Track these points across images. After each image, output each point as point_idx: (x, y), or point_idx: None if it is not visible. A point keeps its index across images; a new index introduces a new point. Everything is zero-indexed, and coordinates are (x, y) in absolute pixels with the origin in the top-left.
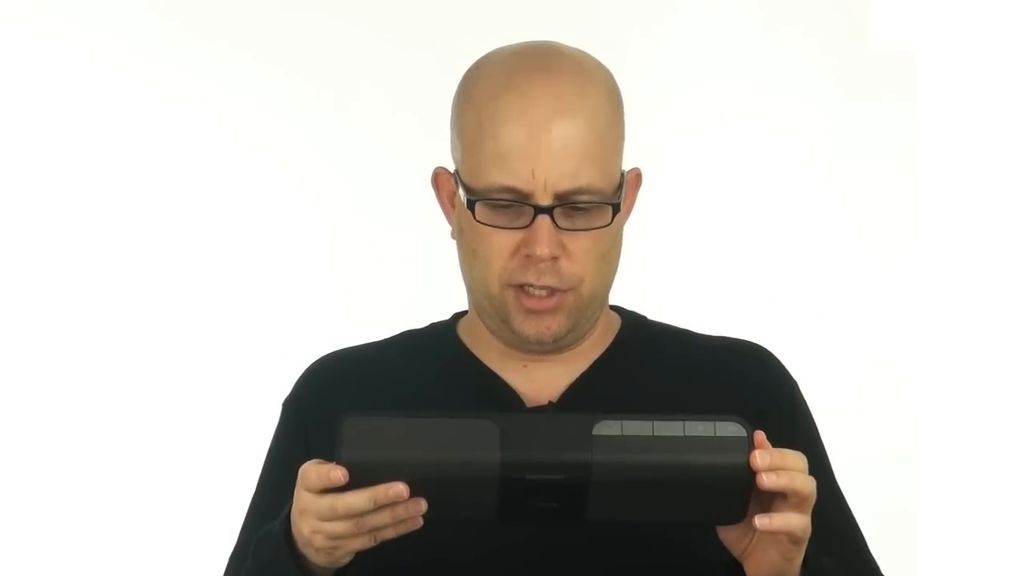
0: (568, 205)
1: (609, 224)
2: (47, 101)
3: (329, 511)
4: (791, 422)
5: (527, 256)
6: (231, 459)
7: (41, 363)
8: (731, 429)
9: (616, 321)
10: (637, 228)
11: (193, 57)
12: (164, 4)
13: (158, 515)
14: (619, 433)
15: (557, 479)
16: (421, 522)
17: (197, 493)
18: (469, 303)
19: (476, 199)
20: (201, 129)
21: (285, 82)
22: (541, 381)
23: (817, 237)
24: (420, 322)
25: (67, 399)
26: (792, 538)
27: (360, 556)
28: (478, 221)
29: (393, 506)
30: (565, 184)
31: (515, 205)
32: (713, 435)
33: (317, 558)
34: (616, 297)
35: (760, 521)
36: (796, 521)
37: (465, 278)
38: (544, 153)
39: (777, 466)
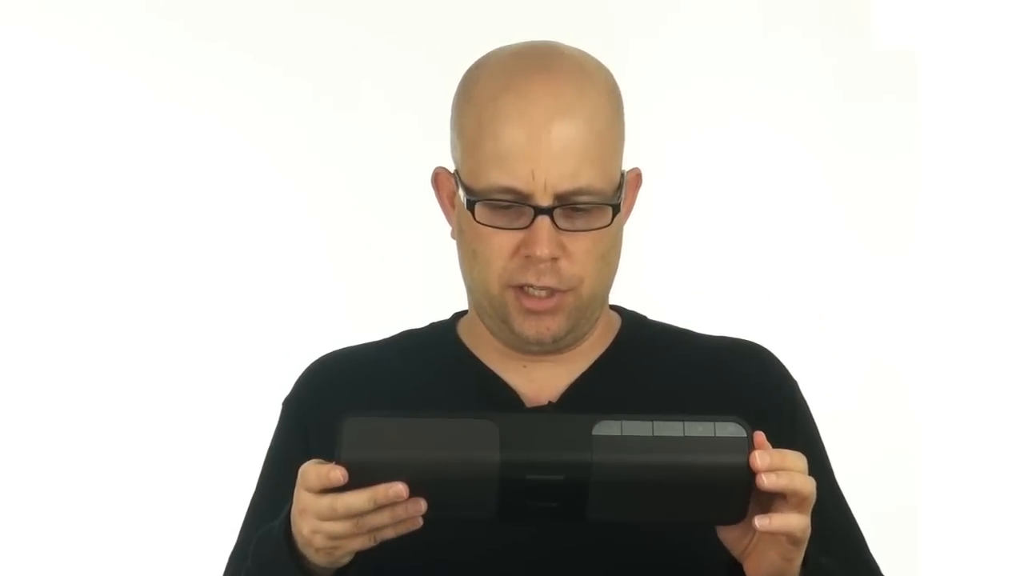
0: (568, 206)
1: (609, 225)
2: (47, 101)
3: (329, 511)
4: (791, 422)
5: (527, 257)
6: (231, 459)
7: (41, 363)
8: (731, 429)
9: (616, 321)
10: (637, 228)
11: (193, 57)
12: (164, 4)
13: (158, 515)
14: (619, 433)
15: (557, 479)
16: (421, 522)
17: (197, 493)
18: (469, 303)
19: (476, 200)
20: (201, 129)
21: (285, 82)
22: (541, 381)
23: (817, 237)
24: (420, 322)
25: (67, 399)
26: (792, 538)
27: (360, 556)
28: (478, 222)
29: (393, 506)
30: (565, 185)
31: (515, 206)
32: (713, 435)
33: (317, 558)
34: (616, 297)
35: (760, 522)
36: (796, 521)
37: (465, 278)
38: (544, 154)
39: (777, 466)
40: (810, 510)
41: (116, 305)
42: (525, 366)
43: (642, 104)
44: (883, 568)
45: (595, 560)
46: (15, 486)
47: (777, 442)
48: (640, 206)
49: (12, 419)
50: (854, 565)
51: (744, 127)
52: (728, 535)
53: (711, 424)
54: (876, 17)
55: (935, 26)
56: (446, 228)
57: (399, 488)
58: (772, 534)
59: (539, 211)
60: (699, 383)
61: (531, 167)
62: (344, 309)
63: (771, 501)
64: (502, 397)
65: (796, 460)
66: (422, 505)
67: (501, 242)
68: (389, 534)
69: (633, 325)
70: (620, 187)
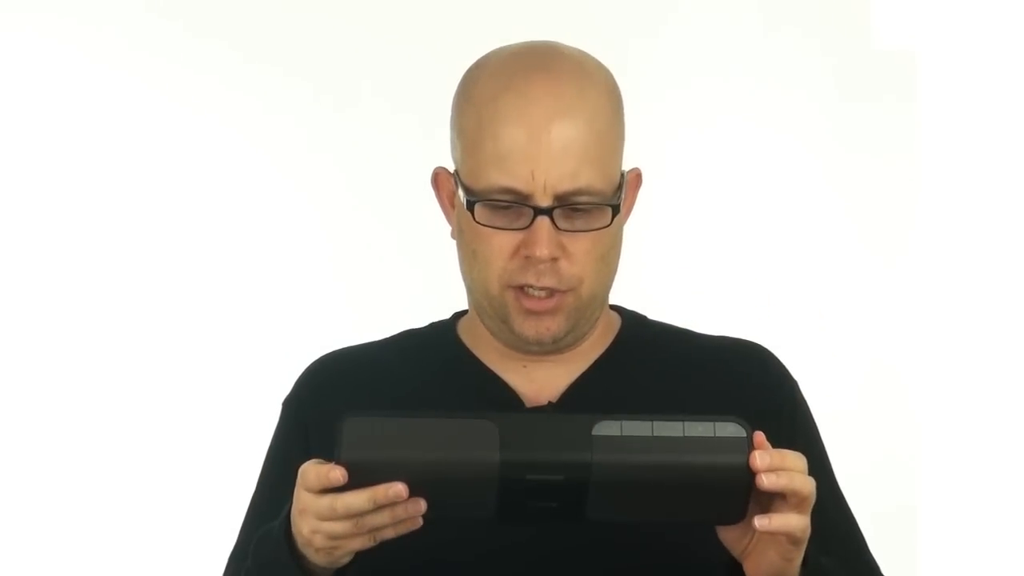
0: (568, 206)
1: (609, 225)
2: (47, 101)
3: (328, 511)
4: (791, 422)
5: (527, 257)
6: (231, 459)
7: (42, 363)
8: (731, 429)
9: (616, 321)
10: (637, 228)
11: (193, 57)
12: (164, 4)
13: (158, 515)
14: (619, 433)
15: (556, 479)
16: (420, 522)
17: (197, 493)
18: (469, 303)
19: (476, 200)
20: (201, 129)
21: (285, 82)
22: (541, 381)
23: (817, 237)
24: (420, 322)
25: (68, 398)
26: (791, 538)
27: (360, 556)
28: (478, 222)
29: (392, 506)
30: (565, 185)
31: (515, 206)
32: (713, 435)
33: (317, 558)
34: (616, 297)
35: (759, 522)
36: (795, 522)
37: (465, 279)
38: (544, 154)
39: (777, 466)
40: (810, 510)
41: (116, 305)
42: (525, 366)
43: (642, 104)
44: (883, 568)
45: (595, 560)
46: (15, 486)
47: (777, 442)
48: (640, 206)
49: (12, 419)
50: (854, 565)
51: (744, 127)
52: (728, 535)
53: (711, 424)
54: (876, 17)
55: (935, 26)
56: (446, 228)
57: (399, 488)
58: (772, 534)
59: (539, 211)
60: (699, 383)
61: (531, 167)
62: (344, 309)
63: (771, 501)
64: (502, 397)
65: (796, 460)
66: (422, 505)
67: (501, 242)
68: (389, 534)
69: (633, 325)
70: (620, 187)
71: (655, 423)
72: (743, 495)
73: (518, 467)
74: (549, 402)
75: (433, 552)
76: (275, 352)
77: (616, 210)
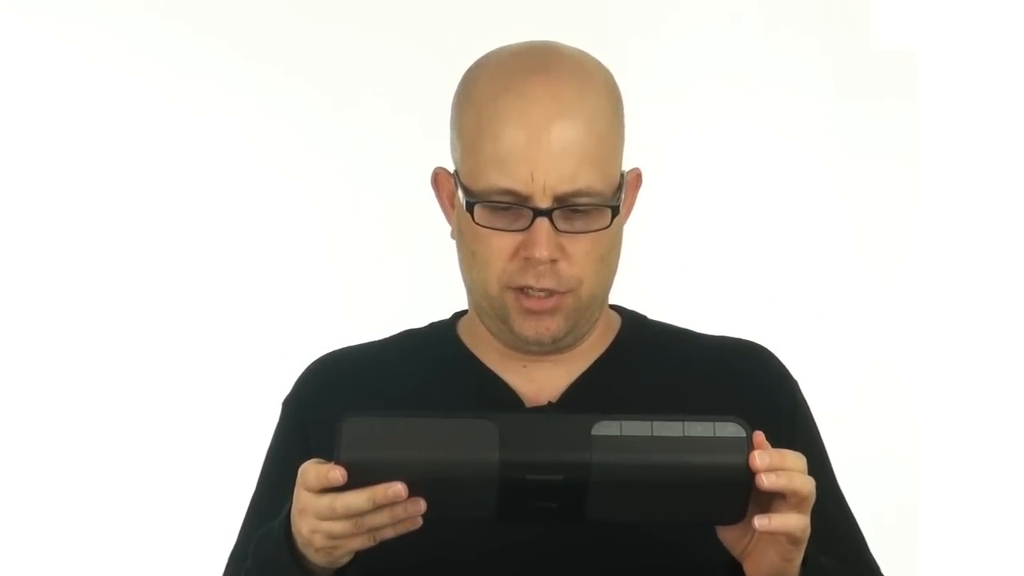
0: (567, 207)
1: (608, 226)
2: (47, 101)
3: (328, 511)
4: (791, 422)
5: (526, 259)
6: (231, 459)
7: (42, 363)
8: (730, 429)
9: (616, 321)
10: (637, 228)
11: (193, 57)
12: (164, 4)
13: (158, 515)
14: (618, 433)
15: (556, 479)
16: (420, 522)
17: (197, 493)
18: (469, 303)
19: (475, 201)
20: (201, 129)
21: (285, 82)
22: (541, 381)
23: (817, 237)
24: (420, 322)
25: (68, 398)
26: (791, 538)
27: (360, 556)
28: (477, 223)
29: (392, 506)
30: (564, 186)
31: (514, 207)
32: (712, 435)
33: (317, 558)
34: (616, 297)
35: (759, 522)
36: (795, 521)
37: (465, 279)
38: (543, 155)
39: (776, 466)
40: (809, 510)
41: (116, 305)
42: (525, 366)
43: (642, 104)
44: (883, 568)
45: (595, 560)
46: (16, 486)
47: (777, 442)
48: (640, 206)
49: (13, 419)
50: (854, 565)
51: (744, 127)
52: (728, 535)
53: (710, 424)
54: (876, 17)
55: (935, 26)
56: (446, 228)
57: (398, 488)
58: (772, 534)
59: (538, 213)
60: (699, 383)
61: (530, 169)
62: (344, 309)
63: (771, 501)
64: (502, 397)
65: (795, 460)
66: (421, 505)
67: (500, 244)
68: (388, 534)
69: (633, 325)
70: (620, 188)
71: (655, 423)
72: (743, 495)
73: (518, 467)
74: (549, 402)
75: (433, 552)
76: (275, 352)
77: (616, 211)
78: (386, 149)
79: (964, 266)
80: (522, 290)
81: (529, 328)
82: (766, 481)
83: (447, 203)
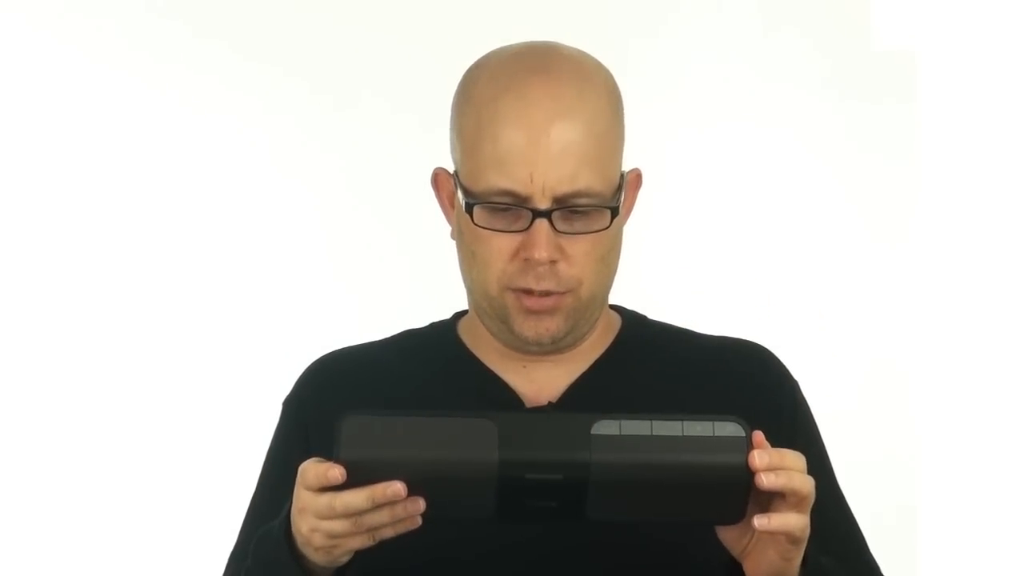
0: (566, 208)
1: (608, 227)
2: (47, 101)
3: (327, 510)
4: (791, 422)
5: (526, 260)
6: (231, 459)
7: (42, 363)
8: (730, 429)
9: (616, 321)
10: (637, 228)
11: (193, 57)
12: (164, 4)
13: (158, 515)
14: (618, 433)
15: (556, 478)
16: (420, 521)
17: (197, 493)
18: (469, 303)
19: (475, 202)
20: (201, 129)
21: (285, 82)
22: (541, 381)
23: (817, 237)
24: (420, 322)
25: (68, 398)
26: (791, 538)
27: (360, 555)
28: (477, 224)
29: (391, 505)
30: (564, 187)
31: (513, 208)
32: (712, 435)
33: (316, 557)
34: (616, 297)
35: (759, 521)
36: (795, 521)
37: (464, 279)
38: (543, 156)
39: (776, 466)
40: (809, 510)
41: (116, 305)
42: (525, 366)
43: (642, 104)
44: (883, 568)
45: (595, 560)
46: (16, 486)
47: (777, 442)
48: (640, 206)
49: (13, 419)
50: (854, 565)
51: (744, 127)
52: (727, 535)
53: (710, 424)
54: (876, 17)
55: (935, 26)
56: (446, 228)
57: (397, 487)
58: (771, 534)
59: (537, 214)
60: (699, 383)
61: (530, 170)
62: (344, 309)
63: (770, 501)
64: (502, 397)
65: (795, 459)
66: (421, 504)
67: (500, 244)
68: (388, 533)
69: (633, 325)
70: (619, 189)
71: (654, 422)
72: (742, 495)
73: (517, 466)
74: (549, 402)
75: (433, 552)
76: (275, 352)
77: (615, 212)
78: (386, 149)
79: (964, 266)
80: (522, 291)
81: (529, 328)
82: (765, 481)
83: (447, 203)
